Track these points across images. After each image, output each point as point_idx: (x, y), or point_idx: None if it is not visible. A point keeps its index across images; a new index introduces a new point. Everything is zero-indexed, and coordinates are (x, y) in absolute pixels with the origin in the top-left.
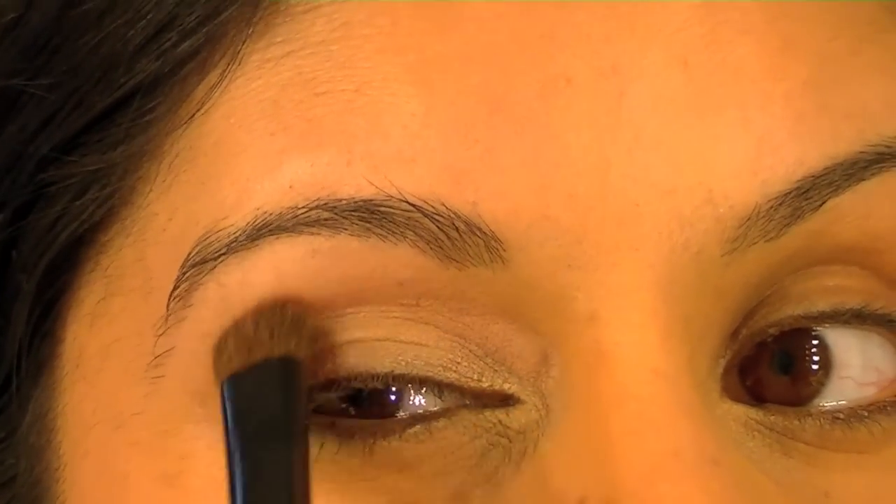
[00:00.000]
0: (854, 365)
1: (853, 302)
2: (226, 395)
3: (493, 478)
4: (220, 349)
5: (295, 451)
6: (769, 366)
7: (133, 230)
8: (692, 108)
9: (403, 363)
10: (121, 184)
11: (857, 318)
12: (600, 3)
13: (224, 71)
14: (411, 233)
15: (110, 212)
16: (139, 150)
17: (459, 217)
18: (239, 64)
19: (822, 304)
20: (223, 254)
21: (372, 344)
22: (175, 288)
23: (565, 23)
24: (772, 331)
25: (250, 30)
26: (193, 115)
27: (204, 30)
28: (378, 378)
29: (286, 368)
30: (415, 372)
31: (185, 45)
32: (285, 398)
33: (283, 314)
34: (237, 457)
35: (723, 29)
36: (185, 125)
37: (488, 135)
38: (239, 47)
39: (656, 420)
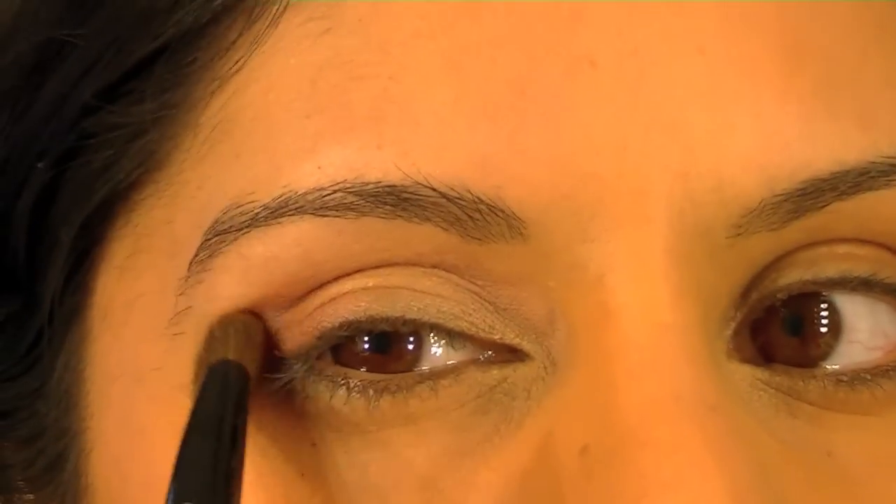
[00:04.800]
0: (862, 329)
1: (861, 270)
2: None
3: (494, 435)
4: (191, 383)
5: (219, 446)
6: (780, 327)
7: (165, 193)
8: (707, 95)
9: (416, 308)
10: (158, 145)
11: (865, 286)
12: None
13: (260, 33)
14: (436, 216)
15: (146, 173)
16: (177, 107)
17: (483, 201)
18: (276, 29)
19: (831, 271)
20: (247, 226)
21: (386, 290)
22: (197, 254)
23: (591, 6)
24: (780, 295)
25: None
26: (231, 76)
27: None
28: (389, 321)
29: (225, 371)
30: (427, 318)
31: (221, 0)
32: (209, 399)
33: (214, 328)
34: (181, 445)
35: (738, 22)
36: (222, 90)
37: (513, 117)
38: (273, 12)
39: (658, 366)
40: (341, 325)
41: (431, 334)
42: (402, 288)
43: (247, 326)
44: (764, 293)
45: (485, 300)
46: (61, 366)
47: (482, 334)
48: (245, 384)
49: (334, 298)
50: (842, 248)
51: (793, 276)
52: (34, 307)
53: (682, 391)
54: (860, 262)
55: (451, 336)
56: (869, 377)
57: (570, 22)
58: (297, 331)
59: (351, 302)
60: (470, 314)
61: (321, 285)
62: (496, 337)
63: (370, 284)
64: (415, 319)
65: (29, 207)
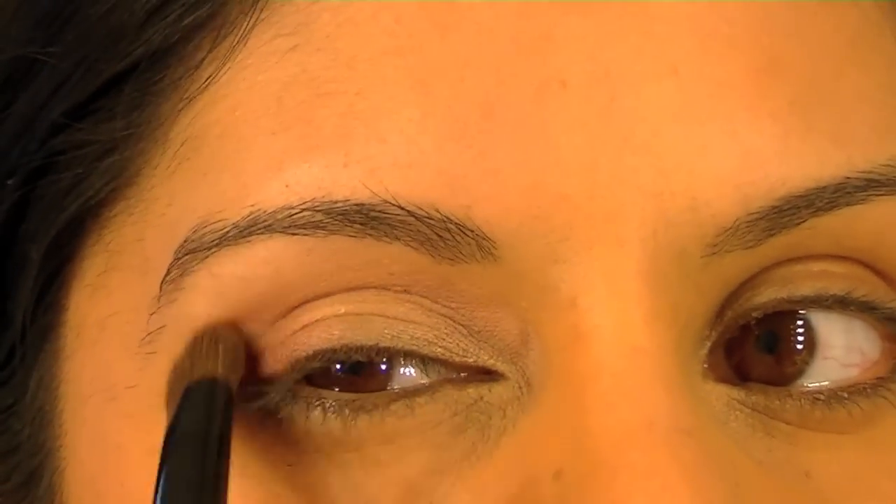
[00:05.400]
0: (838, 346)
1: (837, 288)
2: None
3: (472, 454)
4: (166, 395)
5: (203, 464)
6: (755, 345)
7: (135, 210)
8: (681, 116)
9: (389, 336)
10: (128, 162)
11: (841, 304)
12: (595, 8)
13: (229, 51)
14: (405, 235)
15: (116, 190)
16: (146, 124)
17: (452, 221)
18: (245, 45)
19: (806, 289)
20: (215, 245)
21: (359, 318)
22: (168, 272)
23: (562, 27)
24: (755, 313)
25: (257, 14)
26: (199, 93)
27: (208, 5)
28: (362, 351)
29: (197, 389)
30: (400, 345)
31: (190, 19)
32: (198, 415)
33: (199, 341)
34: (161, 471)
35: (712, 41)
36: (190, 106)
37: (482, 138)
38: (242, 28)
39: (632, 392)
40: (315, 354)
41: (403, 360)
42: (374, 315)
43: (235, 345)
44: (739, 312)
45: (458, 324)
46: (34, 383)
47: (456, 358)
48: (230, 404)
49: (306, 326)
50: (817, 266)
51: (768, 295)
52: (5, 325)
53: (655, 416)
54: (835, 279)
55: (425, 362)
56: (846, 395)
57: (541, 43)
58: (271, 358)
59: (324, 330)
60: (443, 339)
61: (293, 309)
62: (470, 360)
63: (342, 311)
64: (389, 347)
65: None
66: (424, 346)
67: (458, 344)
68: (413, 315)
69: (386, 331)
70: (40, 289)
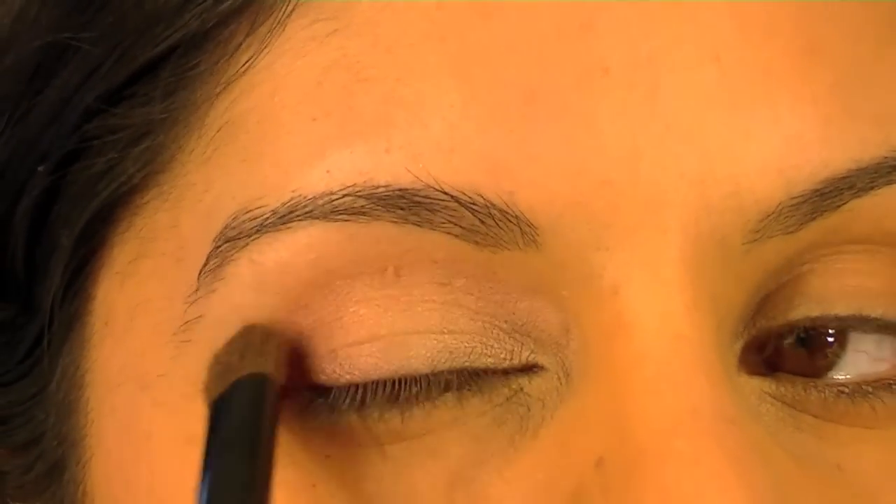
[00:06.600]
0: (869, 339)
1: (872, 309)
2: (207, 421)
3: (510, 446)
4: (205, 383)
5: (252, 465)
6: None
7: (170, 196)
8: (724, 102)
9: (442, 359)
10: (162, 147)
11: (877, 330)
12: None
13: (267, 36)
14: (447, 221)
15: (149, 175)
16: (181, 109)
17: (495, 206)
18: (283, 30)
19: (841, 308)
20: (255, 232)
21: (405, 338)
22: (207, 262)
23: (604, 13)
24: (787, 328)
25: None
26: (236, 78)
27: None
28: (413, 379)
29: (249, 386)
30: (455, 364)
31: (227, 3)
32: (248, 414)
33: (251, 335)
34: (204, 472)
35: (752, 28)
36: (227, 92)
37: (524, 124)
38: (281, 13)
39: (675, 379)
40: (365, 381)
41: (459, 374)
42: (416, 333)
43: (285, 343)
44: (772, 324)
45: (501, 322)
46: (60, 372)
47: (505, 364)
48: (279, 404)
49: (354, 343)
50: (854, 280)
51: (802, 312)
52: (32, 312)
53: (699, 404)
54: (871, 298)
55: (477, 371)
56: (870, 390)
57: (583, 30)
58: (321, 370)
59: (372, 357)
60: (491, 346)
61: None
62: (515, 362)
63: (388, 332)
64: (443, 370)
65: (29, 211)
66: (476, 359)
67: (503, 347)
68: (457, 324)
69: (436, 351)
70: (69, 276)
